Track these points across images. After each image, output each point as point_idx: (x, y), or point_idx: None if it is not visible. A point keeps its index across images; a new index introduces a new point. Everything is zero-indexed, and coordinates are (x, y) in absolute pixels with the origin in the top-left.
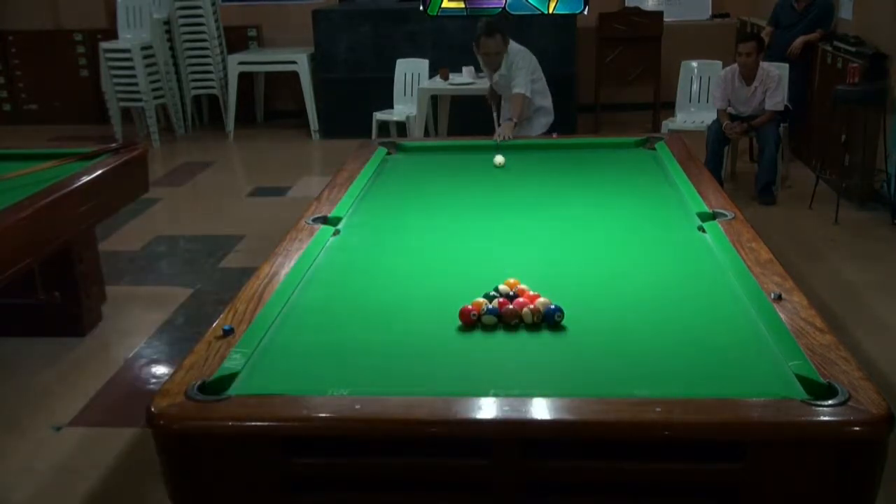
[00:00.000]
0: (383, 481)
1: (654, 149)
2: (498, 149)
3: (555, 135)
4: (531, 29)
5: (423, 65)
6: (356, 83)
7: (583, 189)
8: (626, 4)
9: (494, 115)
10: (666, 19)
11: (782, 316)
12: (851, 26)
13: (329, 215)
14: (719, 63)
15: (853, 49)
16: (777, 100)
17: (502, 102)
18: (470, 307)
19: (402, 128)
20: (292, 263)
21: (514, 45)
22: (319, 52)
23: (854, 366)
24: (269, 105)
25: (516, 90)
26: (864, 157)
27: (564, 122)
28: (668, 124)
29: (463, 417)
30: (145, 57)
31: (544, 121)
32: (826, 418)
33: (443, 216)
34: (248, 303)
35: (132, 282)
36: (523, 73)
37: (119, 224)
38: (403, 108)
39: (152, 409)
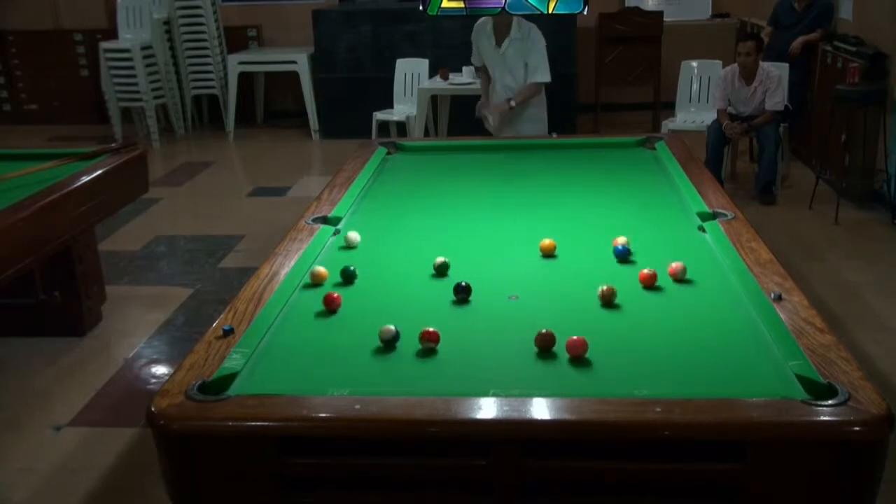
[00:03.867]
0: (383, 481)
1: (654, 149)
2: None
3: (555, 135)
4: None
5: (423, 65)
6: (356, 83)
7: (583, 189)
8: (626, 4)
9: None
10: (666, 19)
11: (782, 316)
12: (851, 26)
13: (329, 215)
14: (719, 63)
15: (853, 49)
16: (777, 100)
17: (496, 87)
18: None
19: (402, 128)
20: (292, 263)
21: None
22: (319, 52)
23: (854, 366)
24: (269, 105)
25: (538, 78)
26: (864, 157)
27: (564, 122)
28: (668, 124)
29: (463, 417)
30: (145, 57)
31: (538, 127)
32: (826, 418)
33: (443, 216)
34: (248, 303)
35: (132, 282)
36: (543, 55)
37: (119, 224)
38: (403, 108)
39: (152, 409)
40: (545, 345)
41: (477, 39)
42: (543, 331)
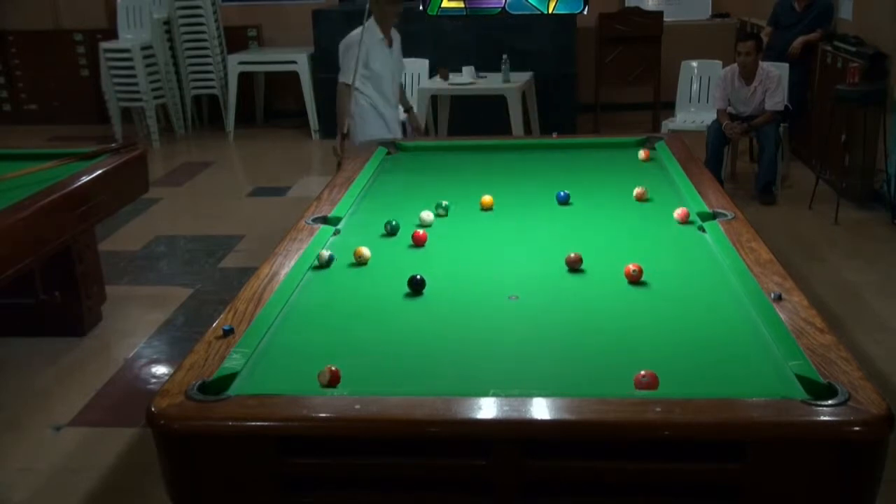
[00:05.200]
0: (383, 481)
1: (654, 149)
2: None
3: (555, 135)
4: (531, 29)
5: (423, 65)
6: None
7: (582, 189)
8: (626, 4)
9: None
10: (666, 19)
11: (782, 316)
12: (851, 26)
13: (329, 215)
14: (719, 63)
15: (853, 49)
16: (777, 100)
17: (385, 91)
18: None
19: (402, 128)
20: (292, 263)
21: None
22: (319, 52)
23: (854, 366)
24: (269, 105)
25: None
26: (864, 157)
27: (564, 122)
28: (668, 124)
29: (463, 417)
30: (145, 57)
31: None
32: (826, 418)
33: (442, 216)
34: (248, 303)
35: (132, 282)
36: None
37: (119, 224)
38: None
39: (152, 409)
40: (574, 265)
41: (369, 47)
42: (572, 255)
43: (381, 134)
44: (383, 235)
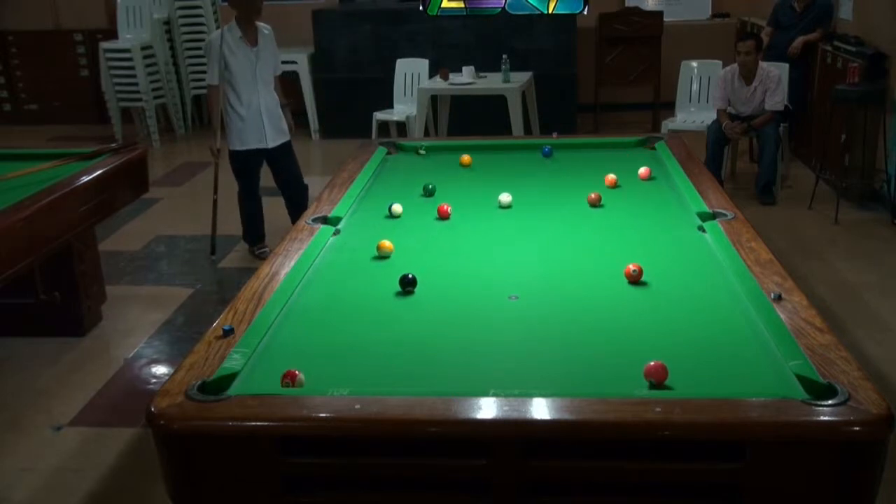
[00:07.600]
0: (383, 481)
1: (654, 149)
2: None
3: (555, 134)
4: (531, 29)
5: (423, 65)
6: (356, 83)
7: (583, 189)
8: (626, 4)
9: (217, 122)
10: (666, 19)
11: (782, 316)
12: (851, 26)
13: (329, 215)
14: (719, 63)
15: (853, 49)
16: (777, 100)
17: (258, 89)
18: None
19: (402, 128)
20: (292, 263)
21: None
22: (319, 52)
23: (854, 366)
24: None
25: (280, 70)
26: (864, 157)
27: (564, 122)
28: (668, 124)
29: (463, 417)
30: (145, 57)
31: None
32: (826, 418)
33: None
34: (248, 303)
35: (132, 282)
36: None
37: (119, 224)
38: (403, 108)
39: (152, 409)
40: (594, 204)
41: (225, 48)
42: (592, 195)
43: (240, 136)
44: (421, 196)
